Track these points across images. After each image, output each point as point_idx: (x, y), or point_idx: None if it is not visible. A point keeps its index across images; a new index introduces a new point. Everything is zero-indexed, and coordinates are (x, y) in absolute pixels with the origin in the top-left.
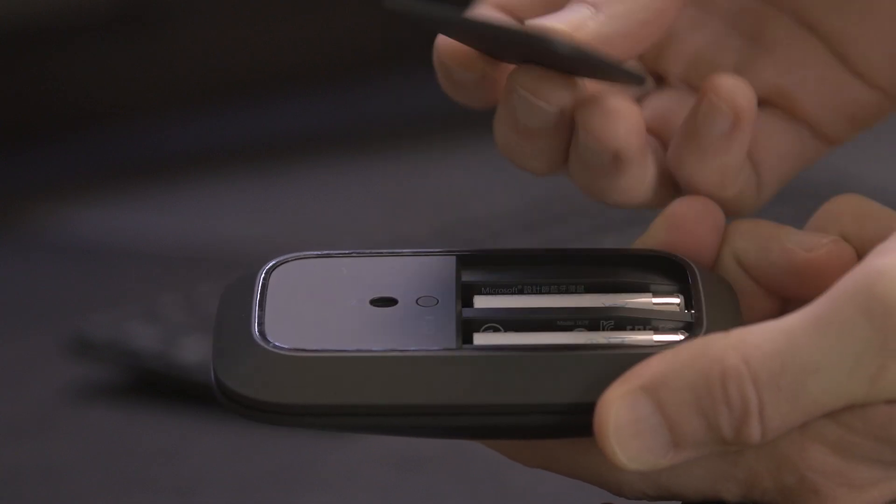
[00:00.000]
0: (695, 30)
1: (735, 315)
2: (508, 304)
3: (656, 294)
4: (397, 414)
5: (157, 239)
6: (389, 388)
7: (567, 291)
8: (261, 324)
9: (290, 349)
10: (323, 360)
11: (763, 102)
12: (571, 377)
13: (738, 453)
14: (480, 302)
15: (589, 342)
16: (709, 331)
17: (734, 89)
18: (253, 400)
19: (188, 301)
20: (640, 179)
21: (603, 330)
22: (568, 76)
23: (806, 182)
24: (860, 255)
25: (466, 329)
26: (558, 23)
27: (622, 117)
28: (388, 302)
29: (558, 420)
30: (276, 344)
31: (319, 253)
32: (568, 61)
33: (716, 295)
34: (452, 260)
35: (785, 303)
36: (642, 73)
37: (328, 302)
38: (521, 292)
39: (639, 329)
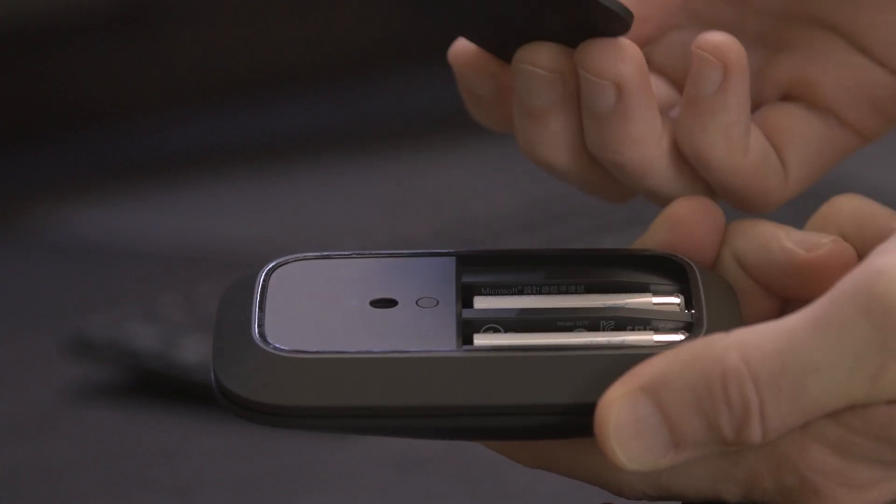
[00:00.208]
0: None
1: (735, 315)
2: (508, 304)
3: (656, 294)
4: (397, 415)
5: (157, 239)
6: (389, 389)
7: (567, 292)
8: (261, 325)
9: (289, 350)
10: (323, 362)
11: (785, 96)
12: (572, 378)
13: (739, 453)
14: (480, 303)
15: (589, 342)
16: (709, 331)
17: (721, 41)
18: (253, 401)
19: (188, 301)
20: (649, 126)
21: (603, 330)
22: (562, 45)
23: None
24: (860, 255)
25: (466, 330)
26: None
27: (619, 48)
28: (388, 303)
29: (558, 420)
30: (276, 345)
31: (319, 254)
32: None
33: (716, 295)
34: (452, 260)
35: (785, 303)
36: (629, 11)
37: (328, 303)
38: (521, 293)
39: (639, 329)
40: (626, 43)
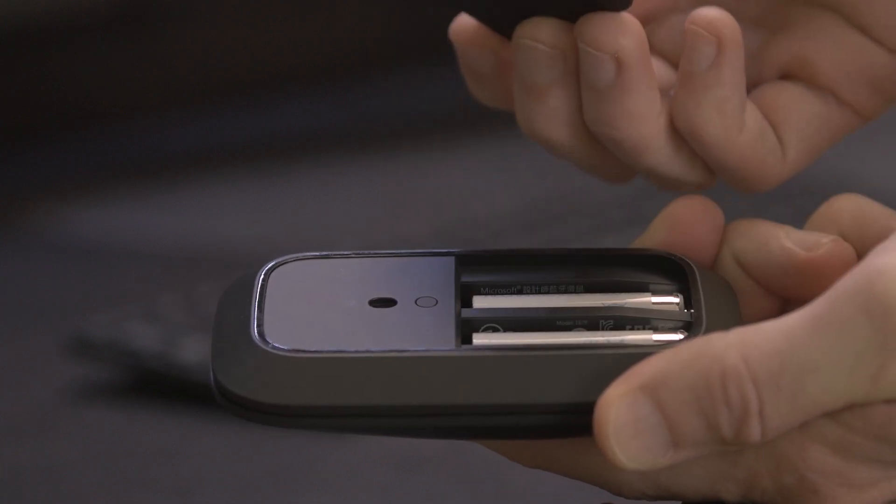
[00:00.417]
0: None
1: (734, 315)
2: (507, 304)
3: (656, 294)
4: (396, 415)
5: (157, 239)
6: (388, 388)
7: (566, 291)
8: (260, 325)
9: (289, 350)
10: (322, 361)
11: (784, 75)
12: (571, 377)
13: (738, 453)
14: (479, 302)
15: (588, 342)
16: (708, 330)
17: (715, 17)
18: (252, 401)
19: (188, 301)
20: (647, 101)
21: (602, 330)
22: (563, 20)
23: (806, 182)
24: (860, 255)
25: (465, 329)
26: None
27: (619, 21)
28: (387, 302)
29: (558, 420)
30: (275, 345)
31: (318, 254)
32: None
33: (715, 294)
34: (451, 260)
35: (785, 303)
36: None
37: (327, 303)
38: (520, 292)
39: (638, 329)
40: (626, 17)
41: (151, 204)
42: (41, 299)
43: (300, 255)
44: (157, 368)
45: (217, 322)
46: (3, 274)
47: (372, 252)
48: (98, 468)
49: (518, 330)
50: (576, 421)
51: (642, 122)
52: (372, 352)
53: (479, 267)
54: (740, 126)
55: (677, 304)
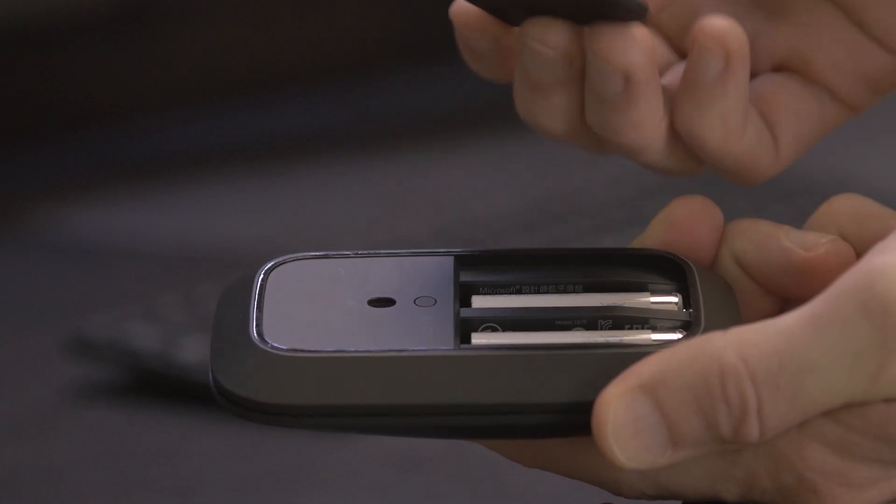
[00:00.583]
0: (716, 7)
1: (733, 314)
2: (506, 303)
3: (654, 293)
4: (396, 414)
5: (157, 239)
6: (388, 388)
7: (565, 291)
8: (259, 325)
9: (288, 350)
10: (321, 361)
11: (780, 67)
12: (570, 376)
13: (737, 453)
14: (478, 302)
15: (587, 341)
16: (707, 330)
17: (724, 29)
18: (251, 401)
19: (188, 301)
20: (651, 112)
21: (601, 329)
22: (573, 23)
23: (806, 182)
24: (859, 254)
25: (464, 329)
26: None
27: (631, 37)
28: (386, 302)
29: (557, 419)
30: (274, 345)
31: (317, 254)
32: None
33: (714, 294)
34: (450, 260)
35: (784, 302)
36: (644, 4)
37: (326, 302)
38: (519, 292)
39: (637, 328)
40: (638, 31)
41: (151, 204)
42: (41, 299)
43: (299, 254)
44: (157, 368)
45: (216, 322)
46: (3, 274)
47: (371, 252)
48: (98, 468)
49: (517, 329)
50: (575, 420)
51: (644, 130)
52: (371, 351)
53: (478, 267)
54: (741, 135)
55: (676, 303)
